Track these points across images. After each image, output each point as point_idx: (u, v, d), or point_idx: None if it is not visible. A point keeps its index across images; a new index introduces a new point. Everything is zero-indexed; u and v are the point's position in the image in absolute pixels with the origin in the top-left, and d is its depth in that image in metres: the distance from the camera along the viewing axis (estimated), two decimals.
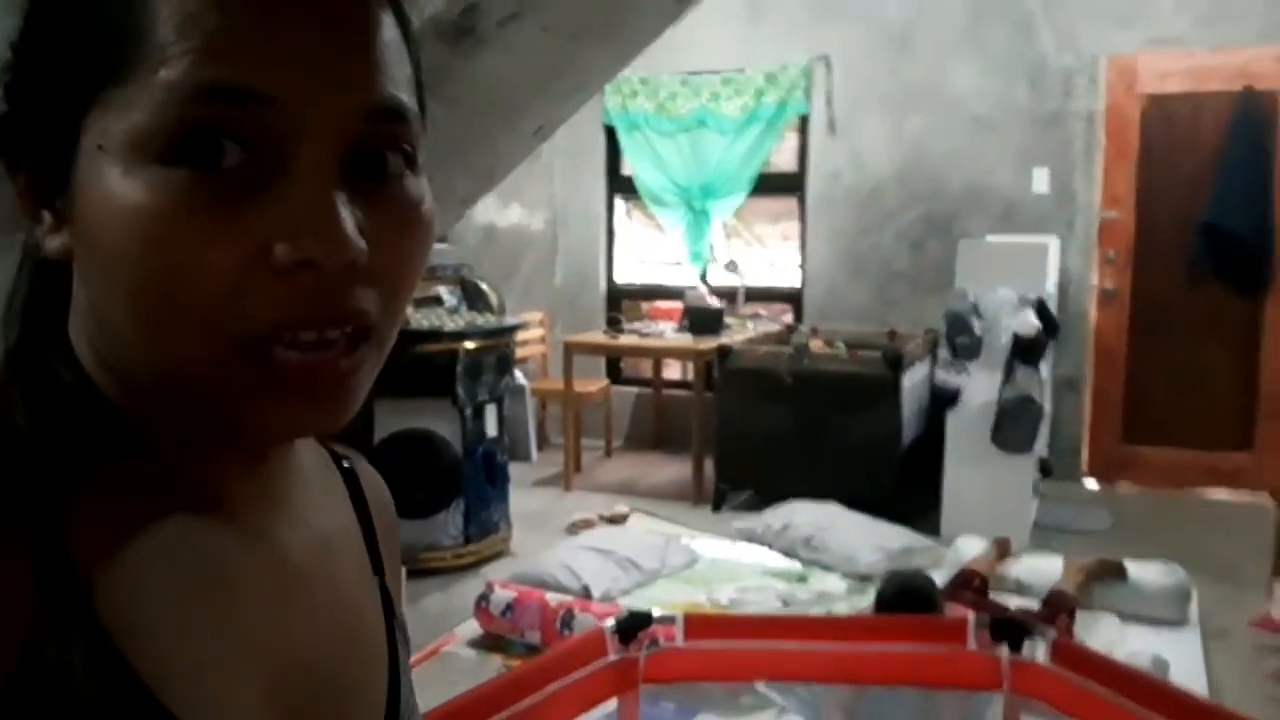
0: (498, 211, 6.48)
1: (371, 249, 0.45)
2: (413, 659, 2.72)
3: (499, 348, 4.38)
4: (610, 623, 1.80)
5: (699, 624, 1.84)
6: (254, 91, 0.43)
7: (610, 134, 6.38)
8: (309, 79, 0.44)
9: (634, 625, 1.81)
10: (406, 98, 0.48)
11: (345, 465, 0.64)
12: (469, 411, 4.21)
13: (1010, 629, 1.83)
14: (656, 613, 1.86)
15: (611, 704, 1.90)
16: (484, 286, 4.58)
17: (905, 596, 2.87)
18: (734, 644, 1.85)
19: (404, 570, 0.74)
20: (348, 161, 0.46)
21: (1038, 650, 1.83)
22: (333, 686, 0.54)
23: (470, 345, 4.19)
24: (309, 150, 0.44)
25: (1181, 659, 3.19)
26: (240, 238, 0.44)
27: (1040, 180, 5.44)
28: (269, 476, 0.53)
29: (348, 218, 0.45)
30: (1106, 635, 3.39)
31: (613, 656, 1.77)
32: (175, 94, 0.43)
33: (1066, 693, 1.76)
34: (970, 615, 1.85)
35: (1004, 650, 1.81)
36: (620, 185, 6.51)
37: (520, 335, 5.48)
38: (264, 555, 0.52)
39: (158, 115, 0.43)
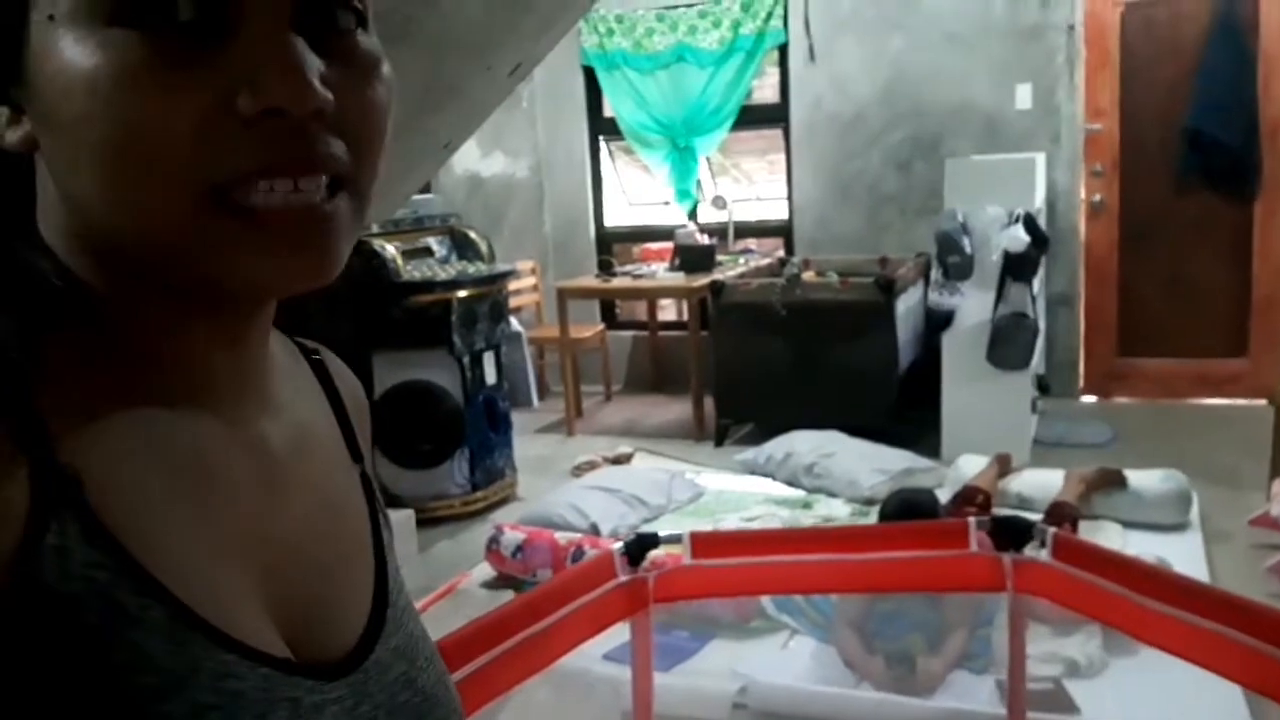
0: (481, 161, 6.45)
1: (337, 101, 0.46)
2: (426, 599, 2.75)
3: (492, 295, 4.38)
4: (619, 545, 1.82)
5: (705, 542, 1.86)
6: None
7: (589, 75, 6.33)
8: None
9: (642, 546, 1.83)
10: None
11: (315, 358, 0.64)
12: (467, 360, 4.23)
13: (1011, 529, 1.85)
14: (663, 533, 1.89)
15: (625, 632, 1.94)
16: (473, 235, 4.57)
17: (908, 512, 2.90)
18: (741, 560, 1.88)
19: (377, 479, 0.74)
20: (299, 17, 0.46)
21: (1040, 550, 1.86)
22: (319, 572, 0.54)
23: (463, 294, 4.20)
24: (263, 4, 0.45)
25: (1183, 561, 3.23)
26: (202, 89, 0.44)
27: (1023, 96, 5.41)
28: (247, 365, 0.53)
29: (311, 65, 0.45)
30: (1109, 542, 3.43)
31: (622, 578, 1.79)
32: None
33: (1070, 587, 1.79)
34: (971, 519, 1.87)
35: (1007, 551, 1.84)
36: (603, 127, 6.47)
37: (513, 284, 5.48)
38: (245, 444, 0.53)
39: None
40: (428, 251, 4.40)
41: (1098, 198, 5.47)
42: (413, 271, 4.16)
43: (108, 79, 0.43)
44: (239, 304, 0.51)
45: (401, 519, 3.69)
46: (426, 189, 4.86)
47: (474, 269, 4.38)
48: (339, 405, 0.64)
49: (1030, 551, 1.85)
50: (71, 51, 0.44)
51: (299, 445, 0.56)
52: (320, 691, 0.50)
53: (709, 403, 5.22)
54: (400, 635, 0.57)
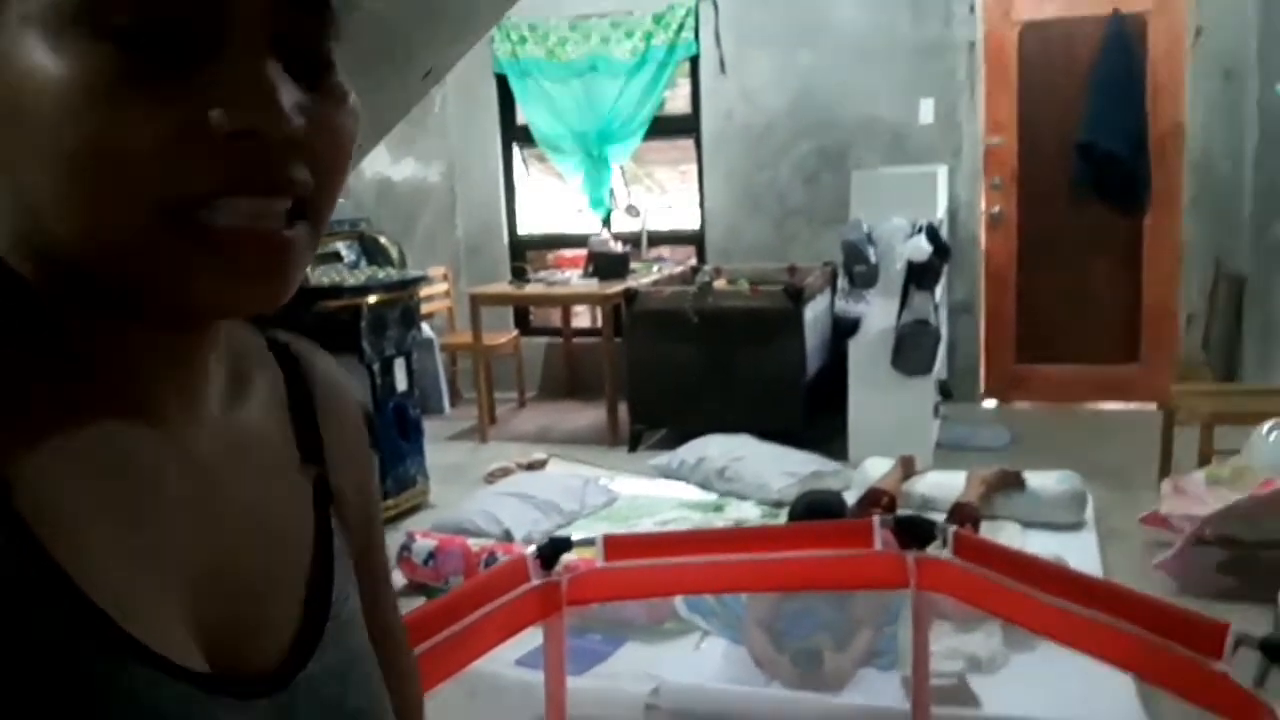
0: (392, 165, 6.38)
1: (308, 129, 0.46)
2: None
3: (402, 300, 4.35)
4: (532, 549, 1.83)
5: (618, 545, 1.88)
6: None
7: (502, 83, 6.32)
8: None
9: (555, 550, 1.84)
10: None
11: (287, 351, 0.62)
12: (377, 367, 4.19)
13: (914, 529, 1.91)
14: (576, 537, 1.90)
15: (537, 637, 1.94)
16: (383, 240, 4.53)
17: (816, 513, 2.96)
18: (653, 561, 1.90)
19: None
20: (277, 42, 0.46)
21: (942, 549, 1.92)
22: (248, 587, 0.53)
23: (373, 300, 4.16)
24: (243, 27, 0.45)
25: (1079, 559, 3.34)
26: (174, 106, 0.44)
27: (926, 110, 5.56)
28: (187, 378, 0.52)
29: (287, 92, 0.45)
30: (1009, 541, 3.52)
31: (535, 581, 1.80)
32: None
33: (970, 584, 1.86)
34: (875, 519, 1.93)
35: (910, 549, 1.90)
36: (516, 134, 6.46)
37: (425, 290, 5.44)
38: (180, 453, 0.52)
39: None
40: (336, 256, 4.35)
41: (997, 209, 5.65)
42: (321, 277, 4.11)
43: (79, 88, 0.43)
44: (187, 321, 0.51)
45: None
46: None
47: (384, 274, 4.34)
48: (305, 402, 0.61)
49: (933, 550, 1.91)
50: (42, 55, 0.43)
51: (238, 456, 0.55)
52: (242, 710, 0.49)
53: (623, 408, 5.24)
54: (338, 650, 0.56)
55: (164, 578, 0.49)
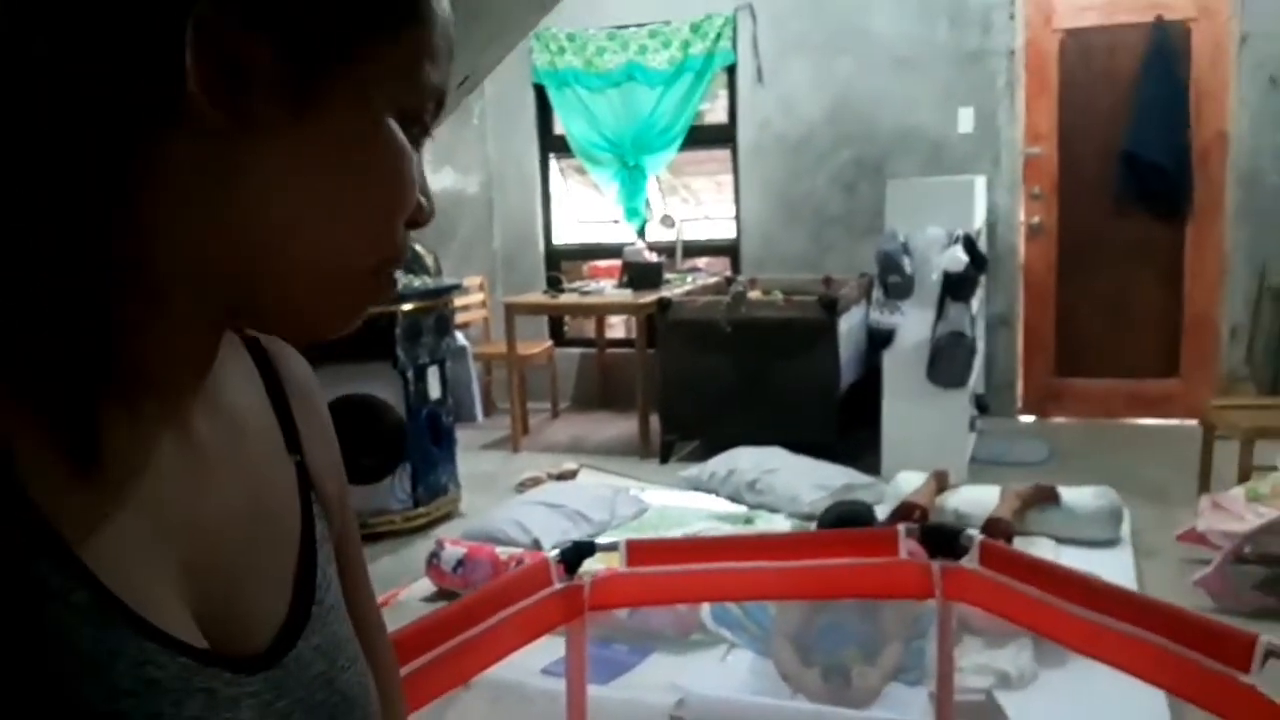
0: (431, 175, 6.38)
1: None
2: None
3: (437, 308, 4.37)
4: (554, 552, 1.83)
5: (641, 550, 1.87)
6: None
7: (540, 93, 6.35)
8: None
9: (578, 554, 1.84)
10: None
11: (259, 346, 0.64)
12: (411, 374, 4.21)
13: (940, 537, 1.88)
14: (600, 541, 1.89)
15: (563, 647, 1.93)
16: (419, 249, 4.56)
17: (844, 523, 2.93)
18: (675, 568, 1.89)
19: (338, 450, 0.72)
20: None
21: (969, 558, 1.89)
22: (240, 565, 0.54)
23: (408, 307, 4.18)
24: (422, 128, 0.54)
25: (1114, 576, 3.27)
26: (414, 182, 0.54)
27: (965, 119, 5.52)
28: (189, 366, 0.54)
29: None
30: (1042, 558, 3.49)
31: (557, 585, 1.79)
32: (427, 78, 0.52)
33: (997, 594, 1.82)
34: (901, 527, 1.90)
35: (936, 559, 1.87)
36: (553, 144, 6.49)
37: (461, 299, 5.47)
38: (178, 432, 0.53)
39: (418, 89, 0.52)
40: None
41: (1036, 220, 5.59)
42: None
43: (398, 163, 0.52)
44: (278, 332, 0.59)
45: None
46: None
47: (419, 282, 4.37)
48: (280, 394, 0.63)
49: (960, 560, 1.88)
50: (375, 126, 0.51)
51: (230, 438, 0.57)
52: (237, 684, 0.50)
53: (655, 419, 5.23)
54: (324, 634, 0.57)
55: (162, 553, 0.50)
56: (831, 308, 4.79)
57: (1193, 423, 4.63)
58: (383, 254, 0.53)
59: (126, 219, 0.47)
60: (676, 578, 1.91)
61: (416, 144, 0.53)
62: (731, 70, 5.97)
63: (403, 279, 4.37)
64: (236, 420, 0.58)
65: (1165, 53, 5.24)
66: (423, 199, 0.54)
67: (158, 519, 0.50)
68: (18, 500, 0.44)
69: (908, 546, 1.90)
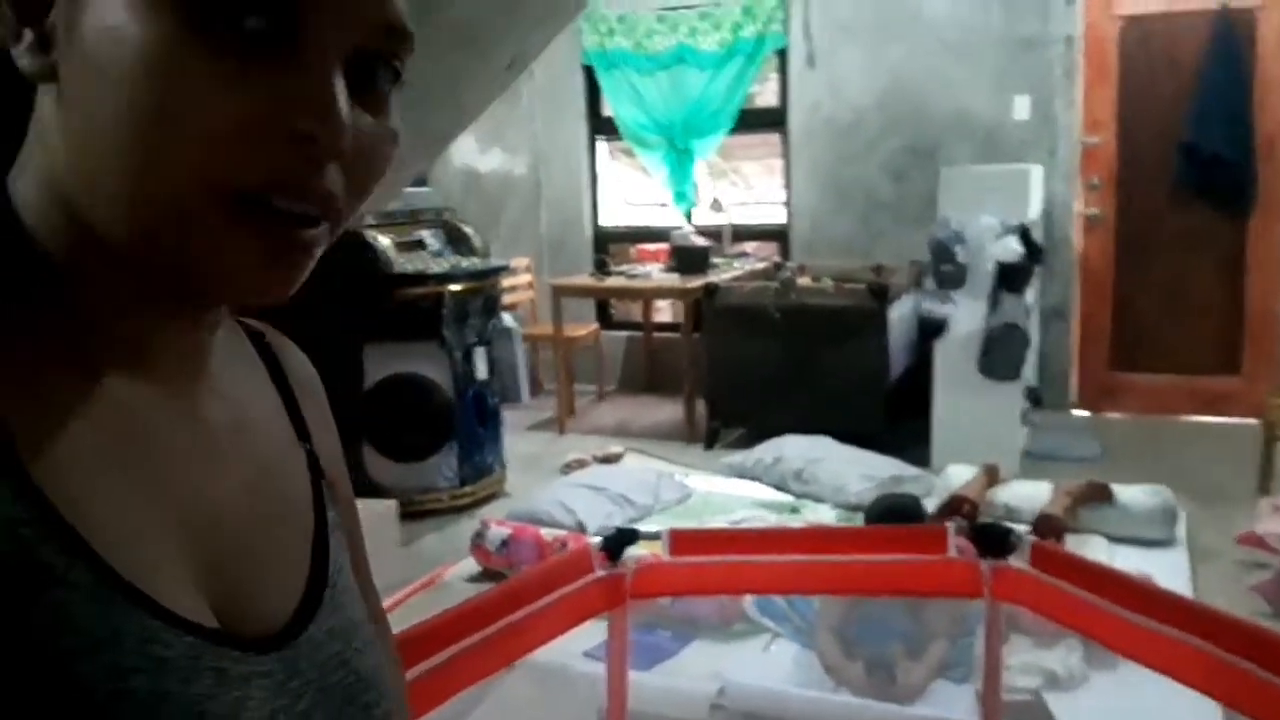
0: (479, 156, 6.44)
1: (354, 146, 0.48)
2: (407, 589, 2.74)
3: (484, 289, 4.38)
4: (597, 539, 1.81)
5: (684, 540, 1.85)
6: None
7: (589, 74, 6.32)
8: None
9: (621, 542, 1.82)
10: (409, 23, 0.51)
11: (263, 340, 0.65)
12: (458, 354, 4.22)
13: (991, 536, 1.84)
14: (643, 530, 1.88)
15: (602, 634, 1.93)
16: (467, 229, 4.56)
17: (892, 516, 2.89)
18: (719, 558, 1.87)
19: (338, 438, 0.73)
20: (349, 60, 0.48)
21: (1019, 557, 1.85)
22: (252, 546, 0.54)
23: (455, 288, 4.19)
24: (324, 38, 0.47)
25: (1168, 577, 3.21)
26: (250, 96, 0.45)
27: (1021, 107, 5.41)
28: (193, 347, 0.54)
29: (345, 105, 0.47)
30: (1094, 556, 3.42)
31: (599, 572, 1.78)
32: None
33: (1047, 595, 1.78)
34: (950, 524, 1.87)
35: (986, 557, 1.84)
36: (601, 126, 6.47)
37: (508, 280, 5.48)
38: (184, 415, 0.53)
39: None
40: (420, 245, 4.39)
41: (1094, 210, 5.47)
42: (405, 264, 4.15)
43: (159, 53, 0.44)
44: (202, 299, 0.53)
45: (384, 509, 3.69)
46: (422, 182, 4.85)
47: (467, 263, 4.38)
48: (285, 385, 0.64)
49: (1010, 560, 1.84)
50: (128, 14, 0.45)
51: (239, 423, 0.57)
52: (248, 663, 0.50)
53: (701, 405, 5.21)
54: (337, 617, 0.57)
55: (171, 532, 0.50)
56: (882, 295, 4.73)
57: (1253, 422, 4.52)
58: (232, 175, 0.46)
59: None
60: (719, 568, 1.89)
61: (368, 78, 0.49)
62: (782, 53, 5.90)
63: (450, 259, 4.38)
64: (246, 408, 0.59)
65: (1229, 41, 5.10)
66: (319, 119, 0.46)
67: (167, 496, 0.50)
68: (19, 480, 0.44)
69: (957, 544, 1.86)
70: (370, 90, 0.50)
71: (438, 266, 4.24)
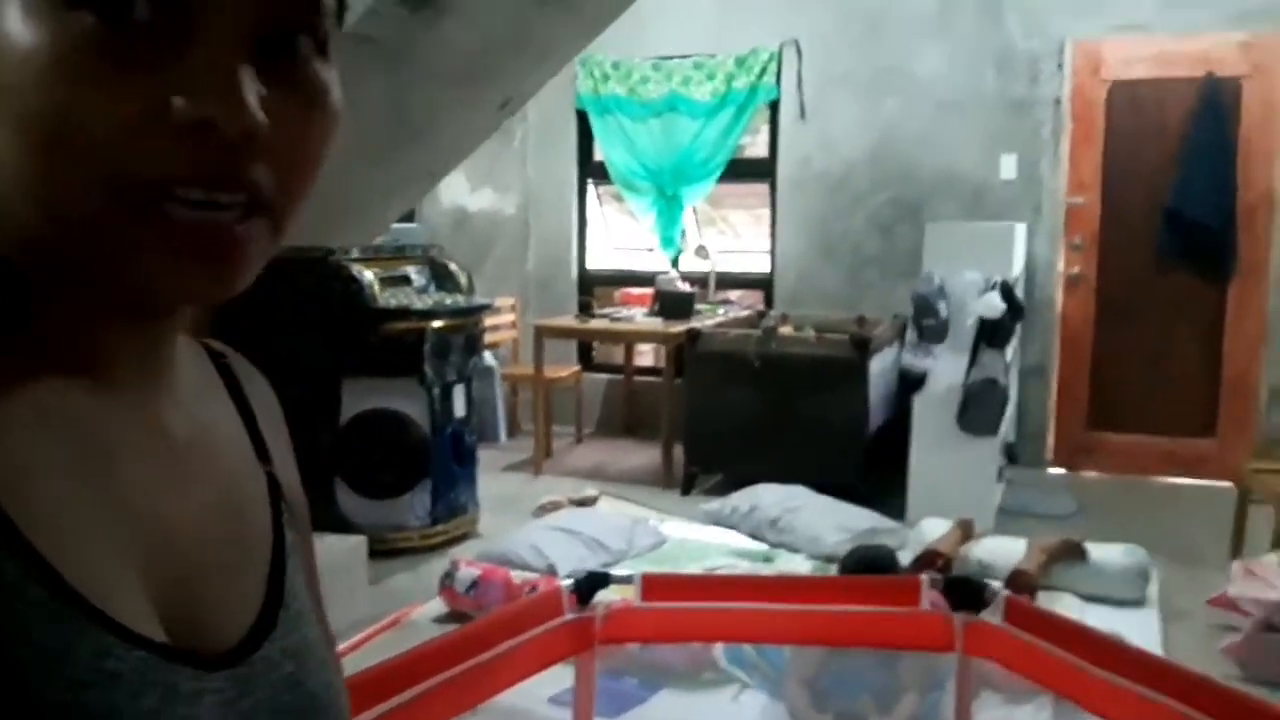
0: (469, 195, 6.46)
1: (273, 126, 0.46)
2: (371, 629, 2.69)
3: (467, 327, 4.36)
4: (568, 581, 1.80)
5: (657, 584, 1.84)
6: None
7: (582, 118, 6.37)
8: None
9: (592, 585, 1.81)
10: None
11: (221, 360, 0.64)
12: (437, 391, 4.20)
13: (964, 590, 1.84)
14: (615, 574, 1.86)
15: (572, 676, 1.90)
16: (452, 267, 4.56)
17: (866, 568, 2.88)
18: (690, 605, 1.85)
19: (294, 459, 0.73)
20: (257, 38, 0.46)
21: (993, 612, 1.84)
22: (210, 562, 0.53)
23: (438, 324, 4.18)
24: (219, 17, 0.45)
25: (1140, 637, 3.20)
26: (140, 88, 0.44)
27: (1008, 166, 5.48)
28: (150, 362, 0.53)
29: (250, 86, 0.45)
30: (1066, 614, 3.42)
31: (569, 615, 1.76)
32: None
33: (1020, 651, 1.78)
34: (924, 576, 1.86)
35: (959, 611, 1.83)
36: (592, 170, 6.51)
37: (492, 320, 5.47)
38: (143, 429, 0.52)
39: None
40: (406, 280, 4.38)
41: (1076, 270, 5.52)
42: (389, 299, 4.14)
43: (50, 60, 0.43)
44: (141, 305, 0.51)
45: (353, 546, 3.65)
46: (410, 218, 4.87)
47: (451, 300, 4.37)
48: (246, 407, 0.63)
49: (983, 615, 1.83)
50: (16, 22, 0.43)
51: (200, 440, 0.56)
52: (199, 680, 0.49)
53: (679, 450, 5.20)
54: (292, 638, 0.56)
55: (125, 545, 0.49)
56: (864, 347, 4.75)
57: (1227, 485, 4.54)
58: (134, 172, 0.44)
59: None
60: (691, 615, 1.87)
61: (283, 50, 0.46)
62: (774, 105, 5.97)
63: (434, 295, 4.38)
64: (207, 425, 0.58)
65: (1215, 109, 5.18)
66: (216, 103, 0.44)
67: (123, 509, 0.49)
68: None
69: (930, 597, 1.86)
70: (293, 66, 0.48)
71: (421, 303, 4.23)
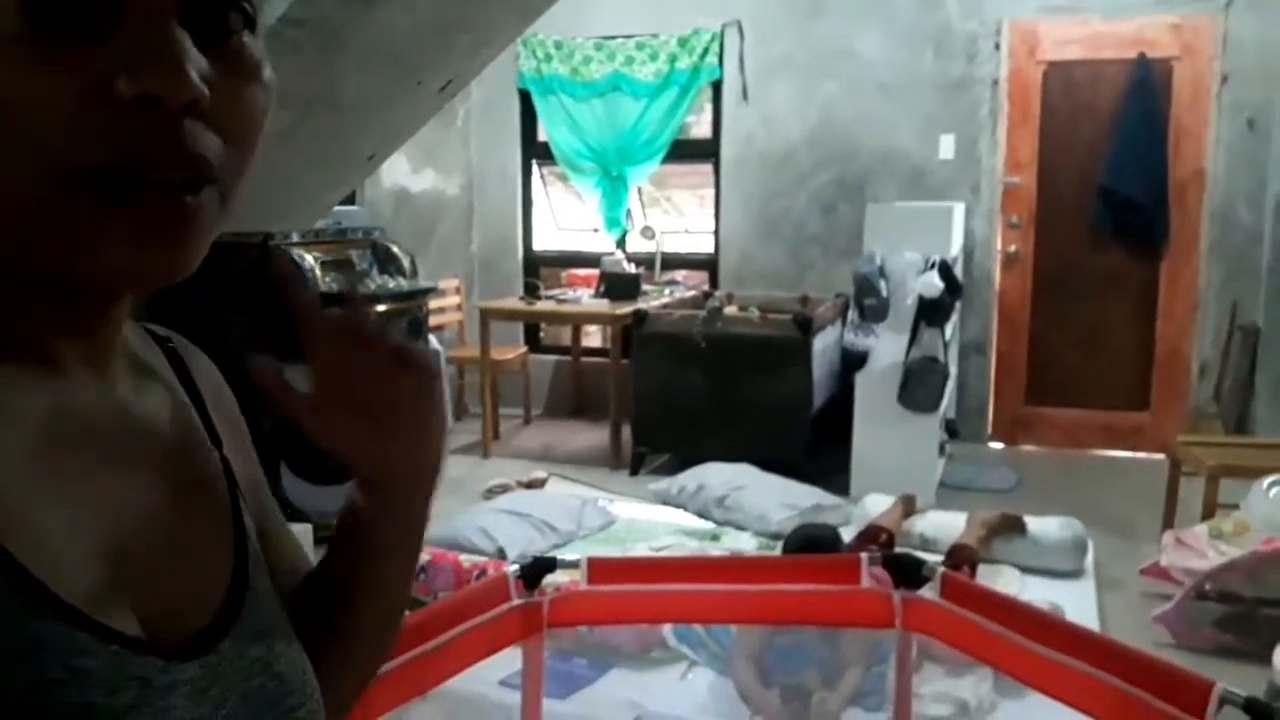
0: (411, 176, 6.40)
1: (214, 98, 0.46)
2: None
3: (411, 311, 4.34)
4: (514, 567, 1.81)
5: (603, 568, 1.86)
6: None
7: (525, 99, 6.34)
8: None
9: (539, 570, 1.82)
10: None
11: (169, 345, 0.64)
12: None
13: (904, 567, 1.88)
14: (564, 558, 1.88)
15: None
16: (395, 250, 4.52)
17: (810, 546, 2.93)
18: (636, 587, 1.88)
19: (249, 438, 0.71)
20: (189, 14, 0.46)
21: (931, 588, 1.89)
22: (172, 547, 0.54)
23: (382, 308, 4.15)
24: None
25: (1076, 607, 3.30)
26: (81, 72, 0.44)
27: (946, 146, 5.55)
28: (99, 345, 0.53)
29: (191, 58, 0.45)
30: (1007, 586, 3.49)
31: (516, 601, 1.78)
32: None
33: (957, 627, 1.82)
34: (863, 555, 1.90)
35: (901, 587, 1.87)
36: (536, 150, 6.48)
37: (437, 302, 5.44)
38: (101, 415, 0.52)
39: None
40: (348, 264, 4.34)
41: (1013, 248, 5.62)
42: (331, 284, 4.10)
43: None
44: (92, 295, 0.51)
45: (299, 533, 3.62)
46: (351, 200, 4.81)
47: (394, 284, 4.34)
48: (195, 391, 0.63)
49: (922, 590, 1.88)
50: None
51: (155, 428, 0.56)
52: (171, 671, 0.49)
53: (627, 431, 5.22)
54: (258, 619, 0.57)
55: (91, 539, 0.49)
56: (807, 327, 4.80)
57: (1160, 457, 4.67)
58: (83, 157, 0.44)
59: None
60: (637, 597, 1.90)
61: (217, 28, 0.47)
62: (717, 86, 5.98)
63: (377, 279, 4.34)
64: (160, 412, 0.58)
65: (1147, 89, 5.29)
66: (161, 78, 0.44)
67: (87, 504, 0.49)
68: None
69: (870, 574, 1.90)
70: (224, 39, 0.48)
71: (364, 287, 4.20)
